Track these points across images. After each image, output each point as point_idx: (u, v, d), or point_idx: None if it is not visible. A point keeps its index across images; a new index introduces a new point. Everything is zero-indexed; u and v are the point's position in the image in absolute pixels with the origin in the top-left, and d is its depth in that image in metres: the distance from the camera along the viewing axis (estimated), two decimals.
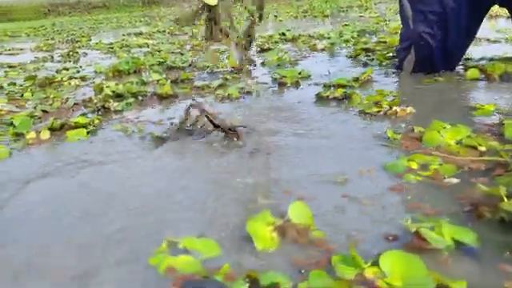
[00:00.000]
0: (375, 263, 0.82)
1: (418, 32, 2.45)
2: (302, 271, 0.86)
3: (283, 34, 5.01)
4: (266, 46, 4.24)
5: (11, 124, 2.14)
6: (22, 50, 6.54)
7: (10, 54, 6.01)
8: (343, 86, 2.33)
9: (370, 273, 0.80)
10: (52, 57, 5.16)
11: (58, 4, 23.21)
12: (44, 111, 2.42)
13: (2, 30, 13.45)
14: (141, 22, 11.80)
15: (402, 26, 2.65)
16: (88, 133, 1.95)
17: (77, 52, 5.37)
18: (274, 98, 2.34)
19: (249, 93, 2.45)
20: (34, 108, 2.49)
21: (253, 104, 2.24)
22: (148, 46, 5.36)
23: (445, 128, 1.41)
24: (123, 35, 7.48)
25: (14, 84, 3.42)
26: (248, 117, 1.97)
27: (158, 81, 3.00)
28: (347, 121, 1.78)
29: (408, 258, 0.81)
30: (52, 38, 8.13)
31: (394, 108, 1.75)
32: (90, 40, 7.09)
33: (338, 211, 1.07)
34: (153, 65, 3.72)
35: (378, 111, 1.80)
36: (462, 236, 0.88)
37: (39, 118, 2.32)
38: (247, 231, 0.98)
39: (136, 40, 6.32)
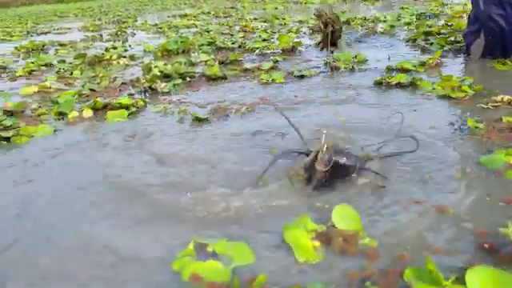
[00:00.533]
0: (459, 280, 0.68)
1: (489, 13, 2.24)
2: None
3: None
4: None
5: (57, 102, 2.11)
6: (69, 29, 6.65)
7: (59, 33, 6.11)
8: (407, 71, 2.15)
9: None
10: (101, 35, 5.18)
11: None
12: (92, 90, 2.38)
13: (51, 10, 13.84)
14: (185, 4, 11.77)
15: (471, 7, 2.43)
16: (130, 114, 1.89)
17: (125, 32, 5.37)
18: (328, 82, 2.19)
19: (302, 77, 2.31)
20: (82, 86, 2.45)
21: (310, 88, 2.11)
22: (196, 27, 5.29)
23: None
24: (168, 17, 7.46)
25: (64, 62, 3.42)
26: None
27: (206, 61, 2.91)
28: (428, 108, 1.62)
29: (502, 275, 0.66)
30: (99, 19, 8.24)
31: (501, 96, 1.57)
32: (136, 21, 7.11)
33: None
34: (202, 45, 3.63)
35: (463, 97, 1.64)
36: None
37: (87, 96, 2.29)
38: (285, 240, 0.84)
39: (181, 21, 6.27)
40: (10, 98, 2.19)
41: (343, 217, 0.87)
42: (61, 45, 4.57)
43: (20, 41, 5.43)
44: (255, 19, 5.62)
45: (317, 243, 0.83)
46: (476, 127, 1.32)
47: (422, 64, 2.26)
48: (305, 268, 0.79)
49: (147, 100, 2.12)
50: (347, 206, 0.90)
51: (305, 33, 3.99)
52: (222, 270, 0.77)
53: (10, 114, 1.98)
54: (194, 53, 3.40)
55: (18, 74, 3.06)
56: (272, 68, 2.56)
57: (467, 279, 0.66)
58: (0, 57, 3.96)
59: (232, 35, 4.19)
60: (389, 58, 2.55)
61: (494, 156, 1.09)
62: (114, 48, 3.95)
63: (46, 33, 6.25)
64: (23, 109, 2.06)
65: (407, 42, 3.10)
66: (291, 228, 0.86)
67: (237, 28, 4.78)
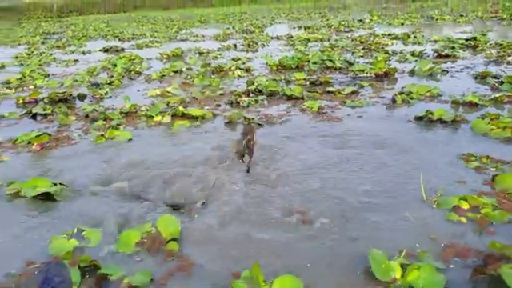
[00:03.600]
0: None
1: None
2: None
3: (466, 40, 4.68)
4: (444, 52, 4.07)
5: (167, 104, 2.71)
6: (203, 36, 7.57)
7: (195, 41, 7.04)
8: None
9: None
10: (235, 45, 5.82)
11: None
12: (194, 98, 2.95)
13: (198, 15, 15.53)
14: (318, 13, 12.23)
15: None
16: (191, 124, 2.39)
17: (256, 43, 5.96)
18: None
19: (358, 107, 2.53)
20: (191, 93, 3.04)
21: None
22: (328, 40, 5.65)
23: None
24: (293, 28, 7.97)
25: (191, 69, 4.13)
26: None
27: (297, 79, 3.29)
28: None
29: None
30: (233, 27, 9.14)
31: None
32: (262, 31, 7.74)
33: None
34: (315, 63, 3.90)
35: None
36: None
37: (188, 102, 2.85)
38: None
39: (305, 34, 6.68)
40: (129, 101, 2.84)
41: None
42: (200, 53, 5.29)
43: (164, 45, 6.49)
44: (388, 35, 5.77)
45: None
46: None
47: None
48: None
49: (219, 112, 2.60)
50: None
51: (427, 56, 4.08)
52: None
53: (125, 113, 2.64)
54: (303, 70, 3.76)
55: (152, 78, 3.83)
56: (353, 93, 2.83)
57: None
58: (147, 61, 4.88)
59: (353, 53, 4.50)
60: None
61: None
62: (235, 60, 4.53)
63: (184, 40, 7.26)
64: (135, 109, 2.70)
65: None
66: None
67: (362, 46, 4.97)
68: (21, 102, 3.05)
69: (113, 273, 1.05)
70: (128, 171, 1.75)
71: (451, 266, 1.01)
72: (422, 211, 1.28)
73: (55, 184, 1.62)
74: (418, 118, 2.19)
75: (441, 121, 2.10)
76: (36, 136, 2.19)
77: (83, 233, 1.28)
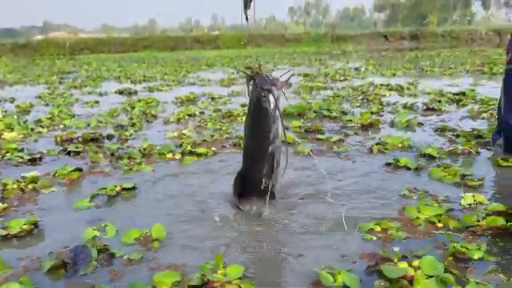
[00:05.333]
0: None
1: (507, 121, 2.70)
2: None
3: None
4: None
5: (181, 145, 3.16)
6: (209, 81, 8.14)
7: (202, 85, 7.60)
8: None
9: None
10: (244, 93, 6.35)
11: (257, 35, 26.38)
12: (204, 140, 3.39)
13: (205, 57, 16.31)
14: (316, 60, 12.94)
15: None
16: (196, 160, 2.87)
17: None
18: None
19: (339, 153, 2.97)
20: (203, 135, 3.49)
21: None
22: (331, 89, 6.18)
23: None
24: (294, 75, 8.55)
25: (203, 113, 4.61)
26: None
27: (294, 127, 3.74)
28: None
29: None
30: (238, 72, 9.76)
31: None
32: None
33: None
34: (315, 111, 4.34)
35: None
36: None
37: (199, 144, 3.27)
38: None
39: (304, 82, 7.24)
40: (147, 141, 3.29)
41: None
42: (212, 98, 5.77)
43: (174, 89, 7.04)
44: (386, 85, 6.27)
45: None
46: None
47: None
48: None
49: (220, 151, 3.06)
50: None
51: (417, 108, 4.57)
52: None
53: (144, 152, 3.07)
54: (304, 117, 4.24)
55: (170, 120, 4.30)
56: (339, 140, 3.27)
57: None
58: (162, 104, 5.38)
59: (352, 102, 5.00)
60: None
61: None
62: (245, 106, 5.01)
63: (192, 84, 7.82)
64: (151, 149, 3.13)
65: None
66: None
67: (360, 97, 5.41)
68: (59, 139, 3.49)
69: (117, 252, 1.64)
70: None
71: (357, 264, 1.51)
72: (345, 233, 1.76)
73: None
74: (387, 164, 2.62)
75: (406, 167, 2.53)
76: (71, 171, 2.61)
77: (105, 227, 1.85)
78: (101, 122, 4.18)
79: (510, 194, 2.15)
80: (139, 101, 5.41)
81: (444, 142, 3.13)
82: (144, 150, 3.10)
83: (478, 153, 2.82)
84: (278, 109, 1.78)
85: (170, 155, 2.98)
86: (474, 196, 2.01)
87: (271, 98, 1.75)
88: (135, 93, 6.73)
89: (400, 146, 3.03)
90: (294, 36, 26.28)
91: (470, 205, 1.97)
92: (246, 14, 1.45)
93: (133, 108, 4.97)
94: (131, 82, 8.51)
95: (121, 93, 6.79)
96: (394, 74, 8.07)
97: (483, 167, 2.56)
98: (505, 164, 2.55)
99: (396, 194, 2.14)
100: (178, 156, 2.96)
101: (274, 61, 13.14)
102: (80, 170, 2.65)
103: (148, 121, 4.35)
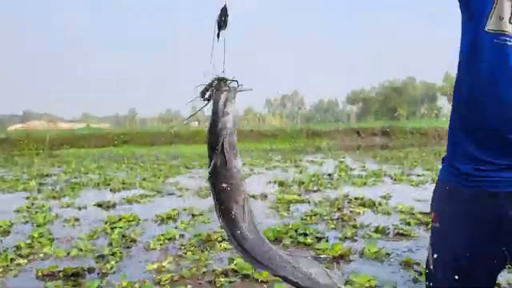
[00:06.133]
0: None
1: None
2: None
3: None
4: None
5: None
6: (187, 190, 8.33)
7: (180, 196, 7.78)
8: None
9: None
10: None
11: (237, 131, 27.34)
12: (182, 277, 3.49)
13: (184, 156, 16.68)
14: (292, 161, 13.45)
15: None
16: None
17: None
18: None
19: None
20: (181, 269, 3.60)
21: None
22: (309, 203, 6.46)
23: None
24: (269, 182, 8.88)
25: (183, 236, 4.73)
26: None
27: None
28: None
29: None
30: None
31: None
32: None
33: None
34: (291, 237, 4.52)
35: None
36: None
37: (176, 280, 3.38)
38: None
39: (279, 191, 7.52)
40: (126, 278, 3.38)
41: None
42: (192, 215, 5.83)
43: (154, 200, 7.20)
44: (361, 199, 6.54)
45: None
46: None
47: None
48: None
49: None
50: None
51: (388, 232, 4.80)
52: None
53: None
54: (281, 243, 4.42)
55: (150, 247, 4.40)
56: None
57: None
58: (143, 222, 5.50)
59: (328, 223, 5.22)
60: None
61: None
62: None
63: (171, 194, 8.00)
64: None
65: None
66: None
67: (337, 215, 5.62)
68: (40, 274, 3.55)
69: None
70: None
71: None
72: None
73: None
74: None
75: None
76: None
77: None
78: (81, 251, 4.25)
79: None
80: (120, 219, 5.51)
81: (408, 280, 3.34)
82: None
83: None
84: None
85: None
86: None
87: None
88: (113, 206, 6.84)
89: (367, 285, 3.22)
90: (270, 132, 27.41)
91: None
92: (218, 33, 1.15)
93: (112, 229, 5.06)
94: (110, 190, 8.65)
95: (99, 206, 6.89)
96: (364, 183, 8.48)
97: None
98: None
99: None
100: None
101: (251, 162, 13.59)
102: None
103: (128, 247, 4.44)
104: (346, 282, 3.23)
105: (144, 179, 10.01)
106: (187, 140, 25.92)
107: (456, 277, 1.30)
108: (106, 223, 5.35)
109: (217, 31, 1.19)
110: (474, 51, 1.24)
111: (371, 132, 29.49)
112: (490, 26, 1.21)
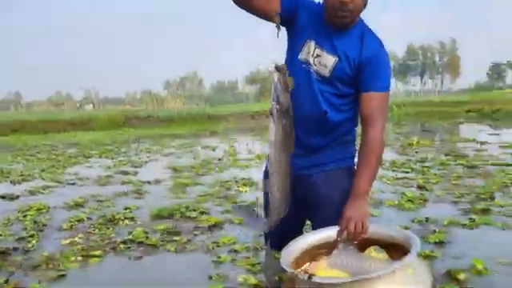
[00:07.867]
0: None
1: None
2: None
3: None
4: None
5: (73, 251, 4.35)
6: (87, 179, 9.10)
7: (82, 185, 8.57)
8: None
9: None
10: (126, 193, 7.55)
11: (132, 117, 27.19)
12: (91, 246, 4.62)
13: (81, 145, 16.76)
14: (185, 147, 14.53)
15: None
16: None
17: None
18: None
19: None
20: (90, 242, 4.70)
21: None
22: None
23: None
24: (171, 171, 9.98)
25: (91, 219, 5.73)
26: None
27: None
28: None
29: None
30: (114, 165, 10.82)
31: None
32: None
33: None
34: (182, 212, 5.84)
35: None
36: None
37: (86, 249, 4.49)
38: None
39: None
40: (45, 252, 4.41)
41: None
42: (98, 200, 6.82)
43: (57, 191, 7.92)
44: (246, 180, 7.92)
45: None
46: None
47: None
48: None
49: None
50: None
51: None
52: None
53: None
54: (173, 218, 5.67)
55: (63, 228, 5.33)
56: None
57: None
58: (52, 210, 6.31)
59: (218, 204, 6.55)
60: None
61: None
62: (127, 208, 6.30)
63: (73, 184, 8.71)
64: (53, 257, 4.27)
65: None
66: None
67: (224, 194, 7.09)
68: None
69: None
70: None
71: None
72: None
73: None
74: None
75: None
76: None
77: None
78: (1, 235, 5.06)
79: None
80: (30, 208, 6.27)
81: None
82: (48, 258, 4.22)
83: None
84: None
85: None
86: None
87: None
88: (17, 198, 7.40)
89: (229, 243, 4.63)
90: (168, 117, 27.96)
91: None
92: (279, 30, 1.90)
93: (24, 217, 5.85)
94: (11, 182, 9.04)
95: (3, 198, 7.41)
96: (247, 166, 9.96)
97: None
98: None
99: None
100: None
101: (149, 150, 14.40)
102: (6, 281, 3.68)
103: (41, 230, 5.32)
104: (214, 242, 4.58)
105: (43, 170, 10.40)
106: (82, 126, 25.29)
107: None
108: (18, 212, 6.09)
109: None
110: (290, 68, 1.74)
111: (265, 115, 31.42)
112: (301, 56, 1.96)
